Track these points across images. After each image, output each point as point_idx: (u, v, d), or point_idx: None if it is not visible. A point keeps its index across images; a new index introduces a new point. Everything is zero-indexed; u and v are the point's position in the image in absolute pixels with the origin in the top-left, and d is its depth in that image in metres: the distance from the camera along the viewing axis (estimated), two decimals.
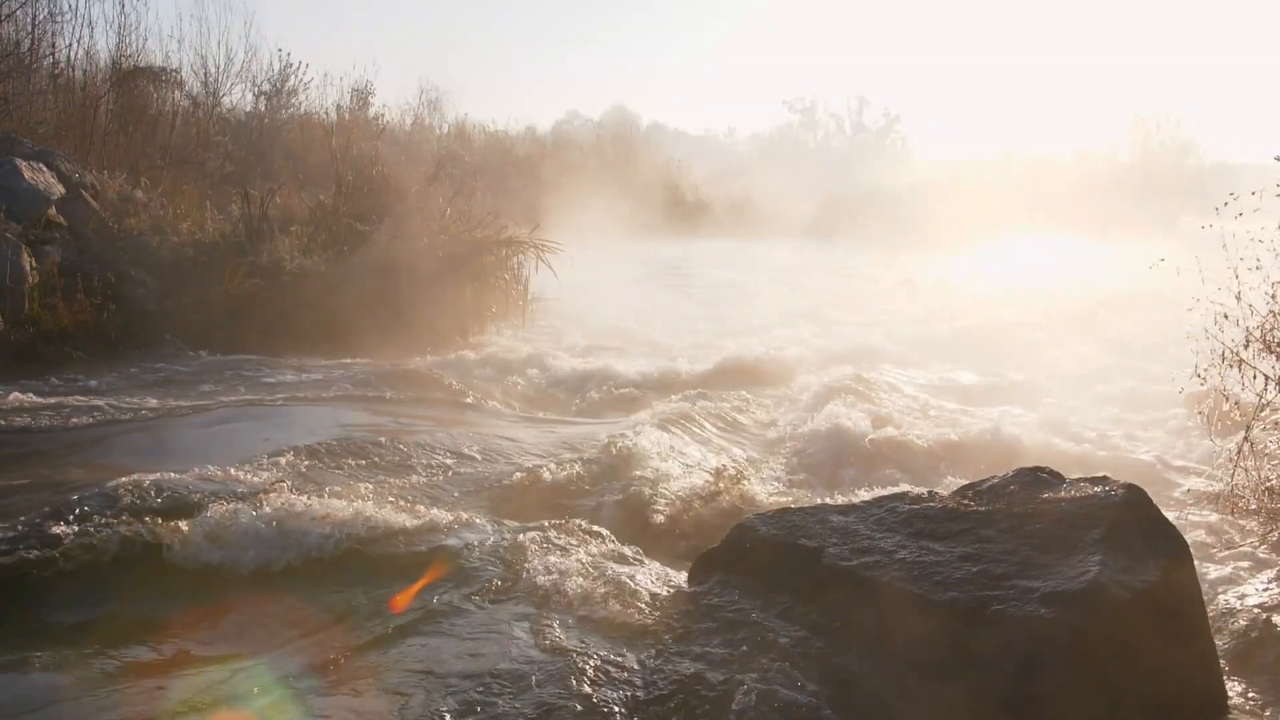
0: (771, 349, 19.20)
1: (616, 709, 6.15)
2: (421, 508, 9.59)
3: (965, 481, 8.14)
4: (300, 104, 38.01)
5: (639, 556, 8.48)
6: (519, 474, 11.19)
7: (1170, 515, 7.79)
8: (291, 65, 36.87)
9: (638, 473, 11.04)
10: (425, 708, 6.14)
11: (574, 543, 8.51)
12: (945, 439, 13.09)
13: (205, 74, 33.68)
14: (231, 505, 8.76)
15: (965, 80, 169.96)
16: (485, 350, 19.66)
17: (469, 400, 15.61)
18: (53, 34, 27.36)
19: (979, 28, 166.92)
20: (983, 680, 6.02)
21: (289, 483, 9.90)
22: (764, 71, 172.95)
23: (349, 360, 17.73)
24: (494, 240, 22.45)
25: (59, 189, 19.23)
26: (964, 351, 20.74)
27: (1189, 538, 7.65)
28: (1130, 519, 6.77)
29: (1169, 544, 6.71)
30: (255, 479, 9.86)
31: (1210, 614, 7.27)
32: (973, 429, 13.44)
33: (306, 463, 10.91)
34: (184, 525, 8.54)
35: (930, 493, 7.87)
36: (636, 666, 6.59)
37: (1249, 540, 9.45)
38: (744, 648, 6.67)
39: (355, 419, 13.14)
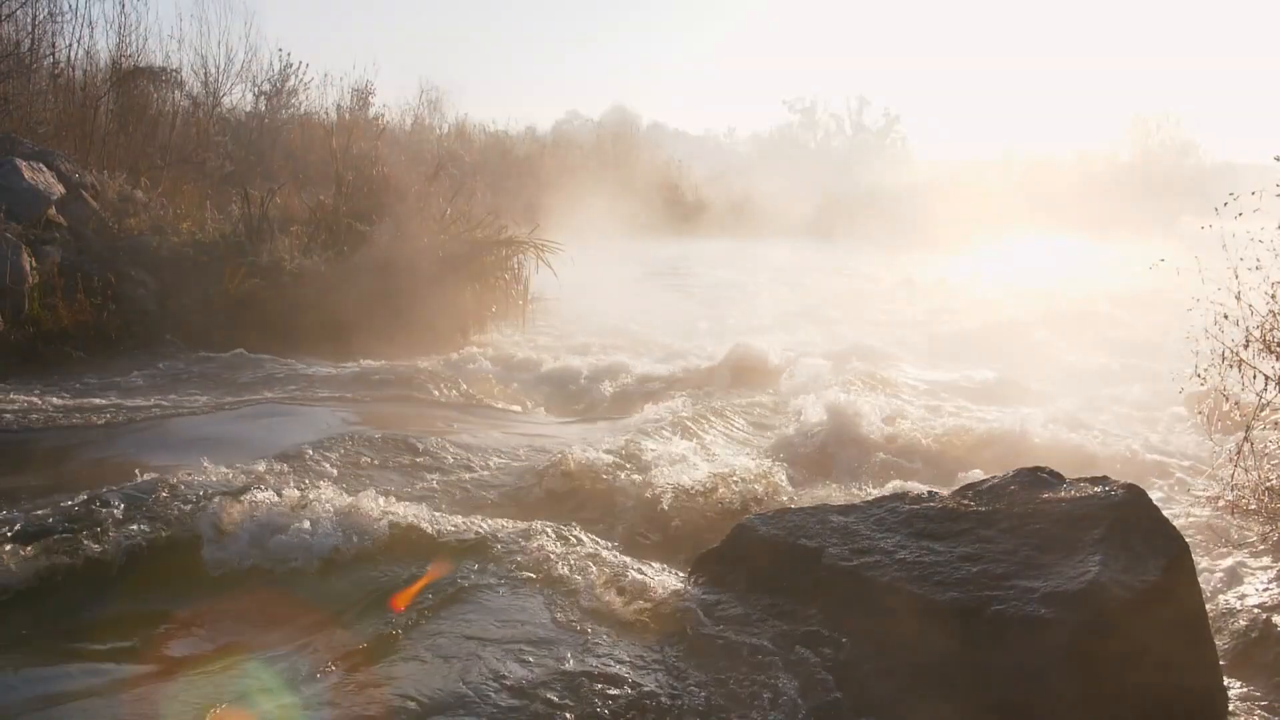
0: (772, 349, 19.16)
1: (614, 704, 6.17)
2: (429, 506, 9.66)
3: (965, 481, 8.16)
4: (300, 104, 37.98)
5: (641, 555, 8.55)
6: (523, 473, 11.27)
7: (1170, 515, 7.80)
8: (291, 65, 36.82)
9: (640, 472, 11.07)
10: (432, 693, 6.17)
11: (578, 541, 8.54)
12: (946, 438, 13.11)
13: (205, 74, 33.66)
14: (240, 504, 8.77)
15: (965, 80, 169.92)
16: (486, 351, 19.66)
17: (472, 400, 15.67)
18: (53, 34, 27.35)
19: (979, 28, 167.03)
20: (983, 680, 6.03)
21: (298, 481, 9.96)
22: (764, 71, 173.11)
23: (350, 360, 17.72)
24: (494, 240, 22.45)
25: (59, 189, 19.23)
26: (964, 351, 20.78)
27: (1189, 538, 7.65)
28: (1130, 519, 6.77)
29: (1169, 544, 6.71)
30: (263, 478, 9.88)
31: (1210, 614, 7.28)
32: (973, 429, 13.43)
33: (314, 461, 10.96)
34: (193, 524, 8.59)
35: (930, 493, 7.89)
36: (636, 664, 6.61)
37: (1249, 540, 9.45)
38: (742, 647, 6.68)
39: (359, 418, 13.16)
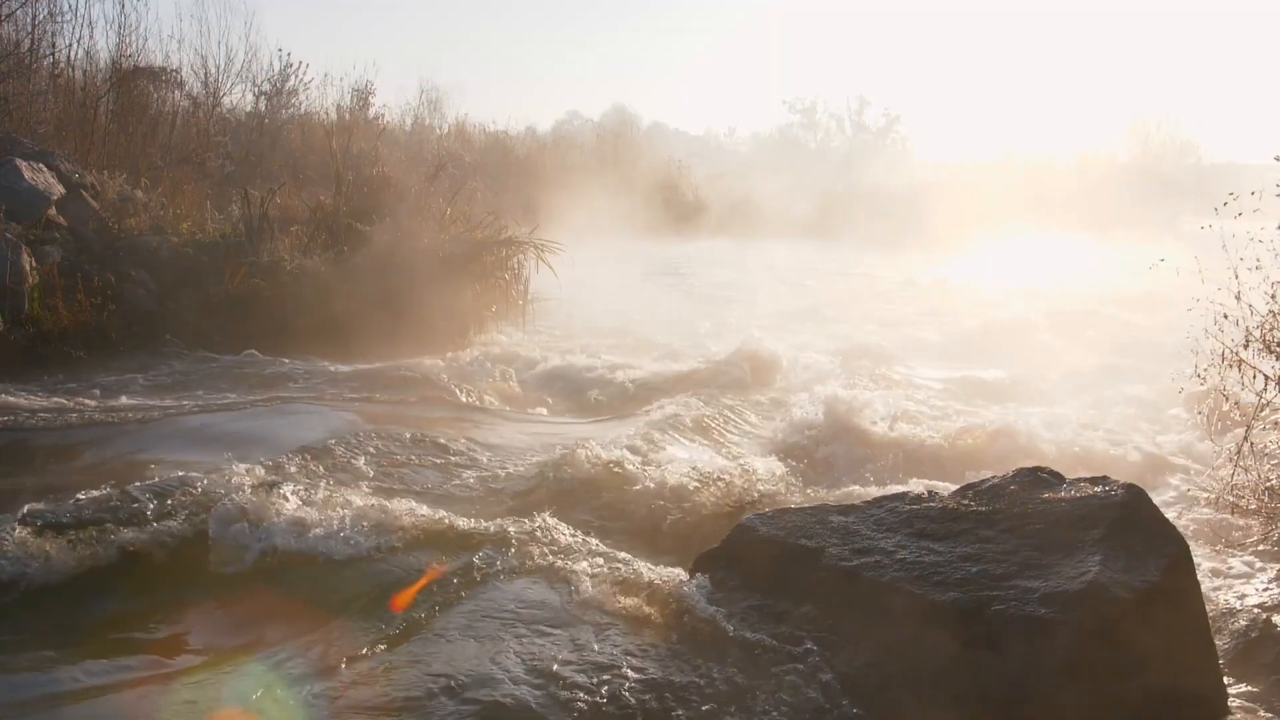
0: (775, 349, 19.11)
1: (611, 698, 6.20)
2: (435, 504, 9.72)
3: (966, 481, 8.16)
4: (300, 104, 37.89)
5: (644, 553, 8.59)
6: (528, 472, 11.31)
7: (1170, 515, 7.82)
8: (292, 65, 36.73)
9: (644, 471, 11.10)
10: (433, 685, 6.21)
11: (582, 539, 8.59)
12: (947, 438, 13.13)
13: (205, 74, 33.56)
14: (256, 501, 8.81)
15: (965, 80, 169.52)
16: (488, 350, 19.61)
17: (475, 401, 15.64)
18: (53, 34, 27.29)
19: (978, 28, 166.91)
20: (983, 680, 6.03)
21: (310, 479, 10.03)
22: (764, 71, 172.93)
23: (351, 360, 17.70)
24: (494, 240, 22.40)
25: (59, 189, 19.20)
26: (966, 351, 20.79)
27: (1189, 538, 7.66)
28: (1130, 519, 6.79)
29: (1169, 544, 6.72)
30: (278, 476, 9.93)
31: (1210, 614, 7.29)
32: (974, 428, 13.46)
33: (315, 463, 10.97)
34: (208, 521, 8.63)
35: (930, 493, 7.89)
36: (635, 660, 6.63)
37: (1249, 540, 9.46)
38: (742, 646, 6.70)
39: (361, 419, 13.11)
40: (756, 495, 10.80)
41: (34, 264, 17.09)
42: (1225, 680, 6.80)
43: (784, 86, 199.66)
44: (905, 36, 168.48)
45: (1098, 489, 7.14)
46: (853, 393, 14.92)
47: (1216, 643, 7.07)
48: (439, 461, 11.51)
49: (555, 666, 6.52)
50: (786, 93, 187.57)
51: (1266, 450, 9.96)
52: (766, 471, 11.62)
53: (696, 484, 10.77)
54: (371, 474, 10.89)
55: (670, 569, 8.04)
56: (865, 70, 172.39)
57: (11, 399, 13.50)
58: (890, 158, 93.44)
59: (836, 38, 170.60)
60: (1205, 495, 10.70)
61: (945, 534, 7.05)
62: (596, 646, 6.83)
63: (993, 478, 7.74)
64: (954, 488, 8.09)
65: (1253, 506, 9.67)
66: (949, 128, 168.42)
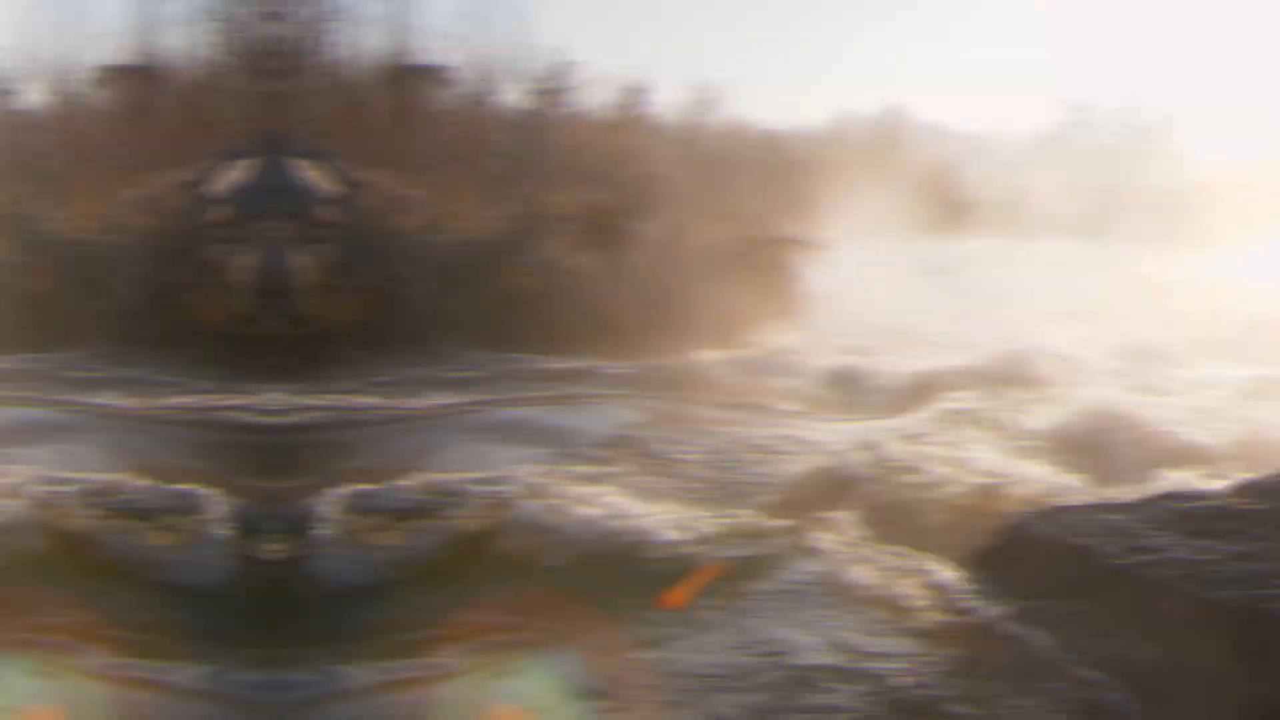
0: (1049, 348, 18.80)
1: (882, 690, 6.31)
2: (718, 502, 9.92)
3: (1242, 480, 7.95)
4: (574, 103, 38.39)
5: (913, 554, 8.59)
6: (793, 473, 11.46)
7: None
8: (566, 64, 37.20)
9: (911, 471, 11.07)
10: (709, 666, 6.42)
11: (852, 540, 8.70)
12: (1223, 437, 12.73)
13: (479, 72, 34.15)
14: (540, 499, 8.99)
15: (1244, 79, 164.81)
16: (756, 349, 19.70)
17: (743, 399, 15.71)
18: (327, 33, 27.99)
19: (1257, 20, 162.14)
20: (1263, 679, 5.81)
21: (591, 478, 10.21)
22: (1036, 69, 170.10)
23: (621, 358, 17.85)
24: (766, 238, 22.41)
25: (332, 187, 19.58)
26: (1248, 350, 20.14)
27: None
28: None
29: None
30: (559, 474, 10.08)
31: None
32: (1253, 428, 13.01)
33: (608, 458, 11.18)
34: (495, 519, 8.84)
35: (1203, 491, 7.72)
36: (909, 655, 6.76)
37: None
38: (1015, 642, 6.74)
39: (633, 417, 13.29)
40: (1026, 493, 10.65)
41: (307, 263, 17.45)
42: None
43: (1057, 84, 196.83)
44: (1182, 29, 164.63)
45: None
46: (1126, 391, 14.66)
47: None
48: (704, 460, 11.67)
49: (829, 654, 6.69)
50: (1059, 91, 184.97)
51: None
52: (1040, 469, 11.50)
53: (966, 483, 10.75)
54: (661, 470, 11.13)
55: (942, 564, 8.03)
56: (1138, 67, 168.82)
57: (264, 399, 13.79)
58: (1164, 156, 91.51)
59: (1109, 34, 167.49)
60: None
61: (1219, 532, 6.87)
62: (867, 638, 6.98)
63: (1269, 476, 7.51)
64: (1228, 486, 7.88)
65: None
66: (1228, 126, 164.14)
